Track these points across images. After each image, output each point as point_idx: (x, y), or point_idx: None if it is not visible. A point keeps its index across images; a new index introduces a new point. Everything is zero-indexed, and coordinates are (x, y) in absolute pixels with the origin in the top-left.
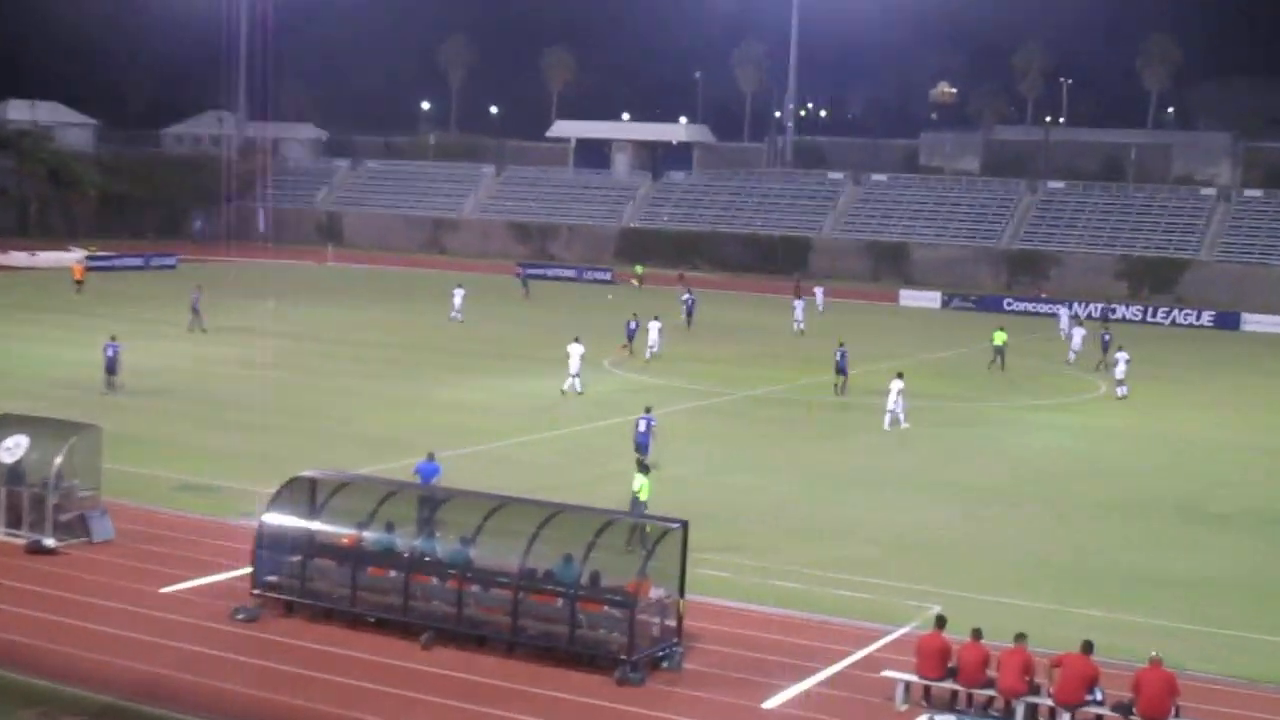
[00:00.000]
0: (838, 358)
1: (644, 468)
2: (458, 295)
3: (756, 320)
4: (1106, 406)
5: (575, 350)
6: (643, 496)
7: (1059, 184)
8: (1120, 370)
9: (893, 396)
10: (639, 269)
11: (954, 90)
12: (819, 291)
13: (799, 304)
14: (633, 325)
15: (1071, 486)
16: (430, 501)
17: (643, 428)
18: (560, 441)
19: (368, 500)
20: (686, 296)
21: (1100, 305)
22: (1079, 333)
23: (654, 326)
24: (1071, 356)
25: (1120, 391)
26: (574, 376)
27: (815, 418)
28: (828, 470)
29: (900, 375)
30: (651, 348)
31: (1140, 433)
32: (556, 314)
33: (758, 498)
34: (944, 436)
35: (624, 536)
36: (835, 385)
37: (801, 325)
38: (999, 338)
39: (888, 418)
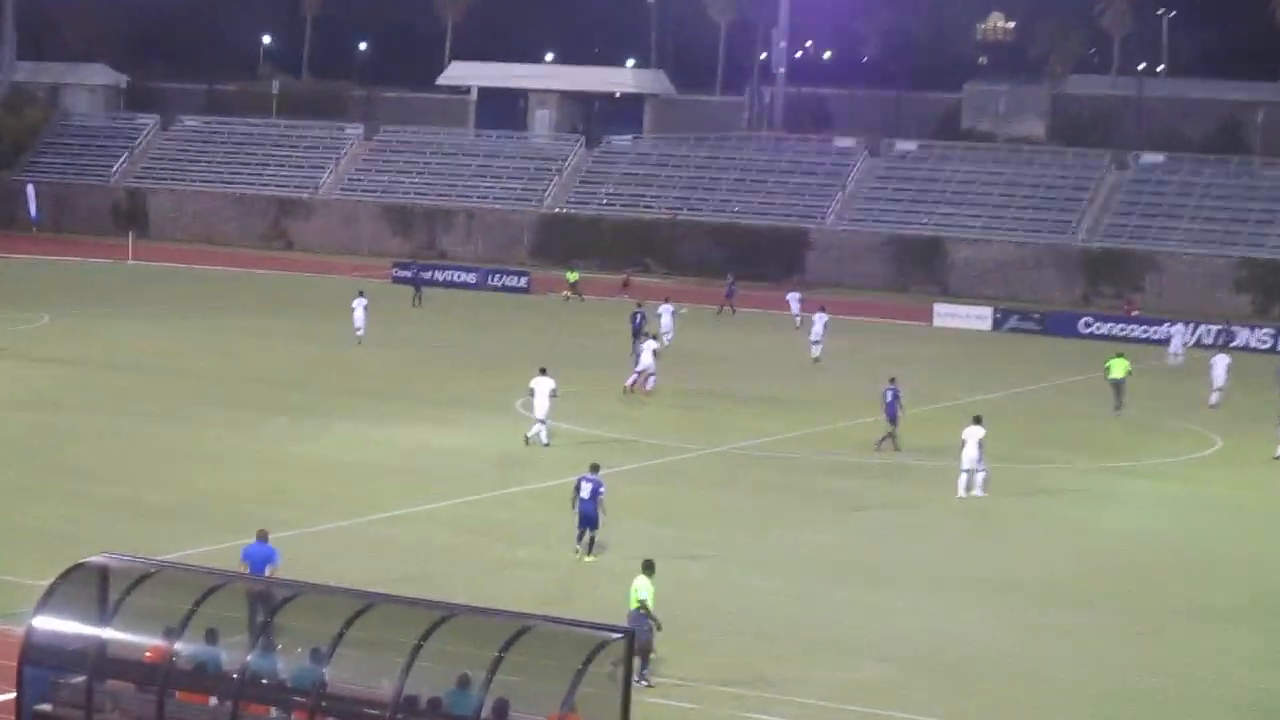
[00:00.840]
0: (888, 398)
1: (649, 566)
2: (359, 307)
3: (737, 341)
4: (1222, 470)
5: (542, 385)
6: (648, 601)
7: (1156, 157)
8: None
9: (970, 450)
10: (572, 276)
11: (1011, 25)
12: (818, 320)
13: (821, 318)
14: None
15: (1167, 584)
16: (269, 600)
17: (586, 493)
18: (458, 515)
19: (181, 598)
20: (637, 312)
21: (1215, 327)
22: (1222, 363)
23: (648, 347)
24: (1214, 398)
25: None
26: (541, 422)
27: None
28: (830, 559)
29: (979, 420)
30: (648, 371)
31: (1266, 508)
32: (455, 333)
33: (736, 597)
34: (991, 512)
35: (588, 659)
36: (884, 437)
37: (818, 349)
38: (1118, 368)
39: (963, 480)
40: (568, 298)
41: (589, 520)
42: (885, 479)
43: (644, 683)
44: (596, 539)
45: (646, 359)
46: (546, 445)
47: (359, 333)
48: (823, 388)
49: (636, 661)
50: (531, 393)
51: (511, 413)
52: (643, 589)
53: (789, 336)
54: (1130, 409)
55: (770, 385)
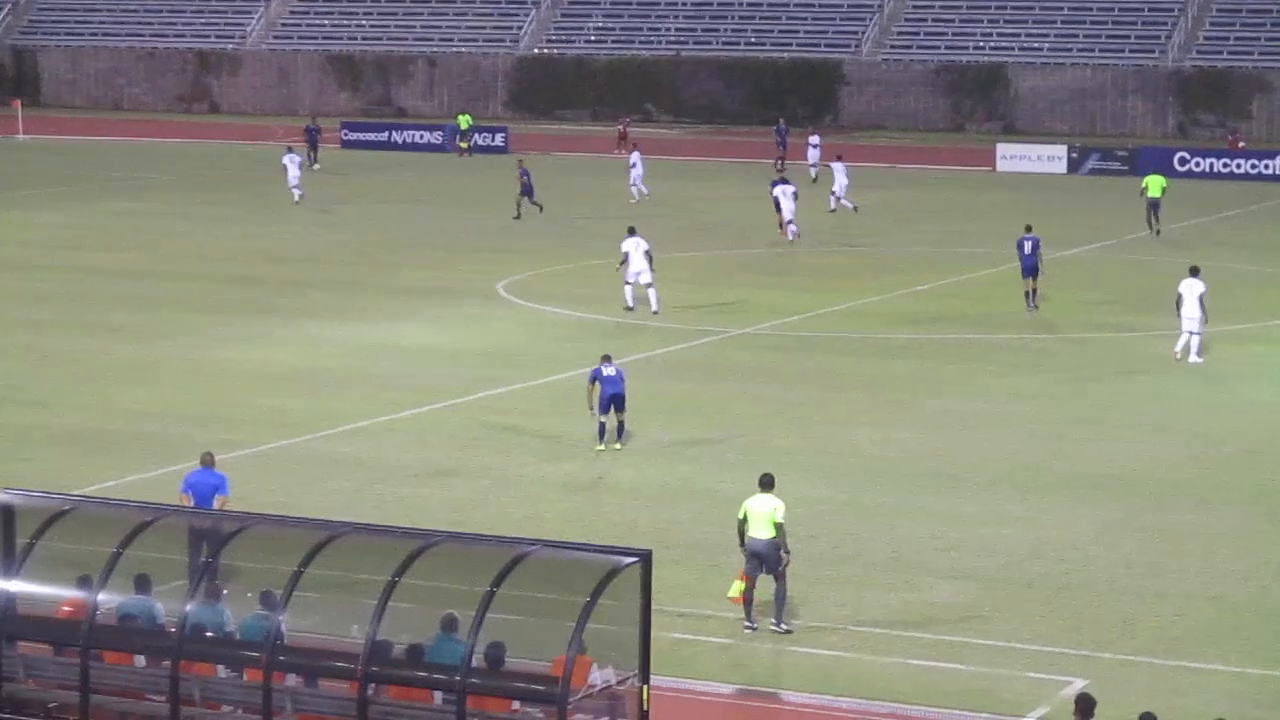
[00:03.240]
0: (1026, 249)
1: (769, 480)
2: (291, 164)
3: (755, 203)
4: None
5: (635, 246)
6: (775, 520)
7: None
8: None
9: (1190, 307)
10: (464, 121)
11: None
12: (838, 168)
13: (839, 166)
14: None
15: None
16: (211, 537)
17: (611, 372)
18: (432, 425)
19: (103, 539)
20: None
21: None
22: None
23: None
24: None
25: None
26: (648, 285)
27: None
28: (886, 460)
29: (1196, 272)
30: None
31: None
32: (415, 206)
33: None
34: (1082, 394)
35: (597, 590)
36: (1027, 294)
37: (840, 199)
38: (1155, 185)
39: (1183, 342)
40: (464, 151)
41: (615, 401)
42: (944, 359)
43: (783, 627)
44: (626, 425)
45: (788, 206)
46: (656, 313)
47: (297, 192)
48: (866, 253)
49: (774, 604)
50: (625, 259)
51: (488, 299)
52: (777, 510)
53: (822, 191)
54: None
55: (802, 251)
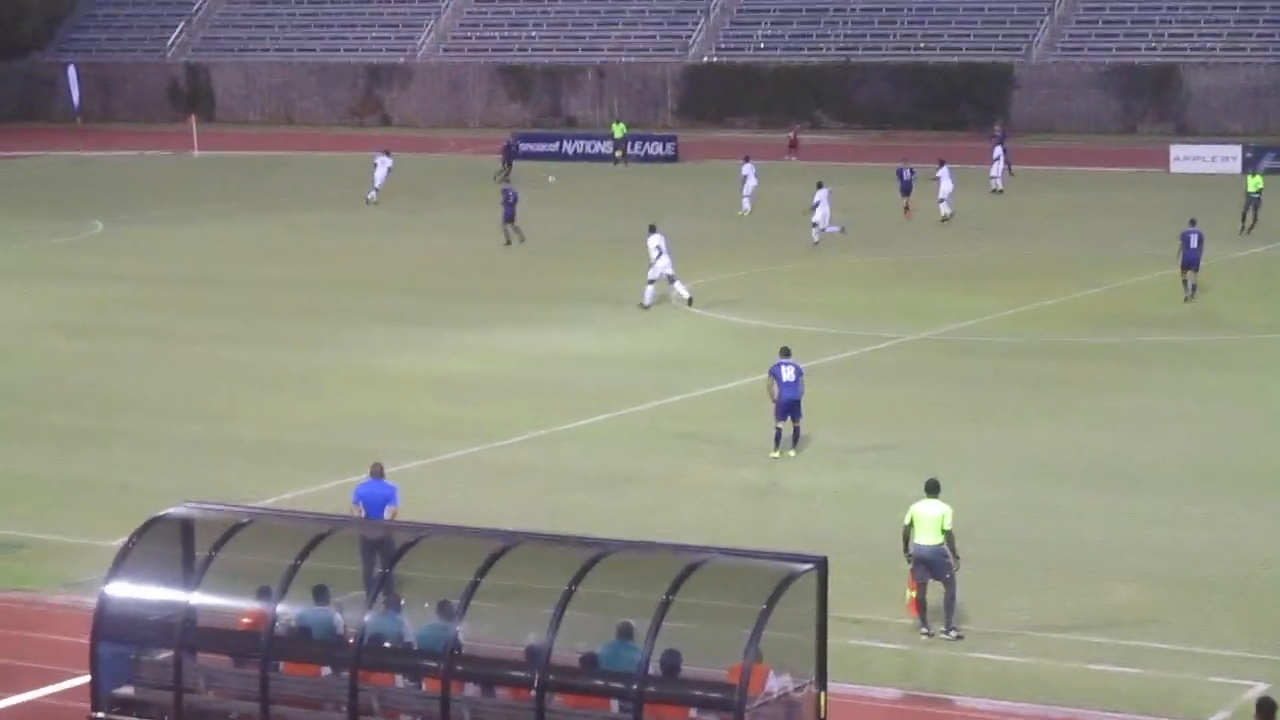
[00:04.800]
0: (1192, 243)
1: (935, 486)
2: (381, 165)
3: (919, 204)
4: None
5: (655, 243)
6: (944, 526)
7: None
8: None
9: None
10: (618, 130)
11: None
12: (998, 154)
13: (999, 151)
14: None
15: None
16: (386, 548)
17: (790, 376)
18: (607, 433)
19: (281, 552)
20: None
21: None
22: None
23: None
24: None
25: None
26: (673, 281)
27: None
28: (1060, 461)
29: None
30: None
31: None
32: (587, 215)
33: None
34: (1261, 393)
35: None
36: (1186, 284)
37: (998, 182)
38: (1253, 183)
39: None
40: (618, 160)
41: (792, 408)
42: (1120, 360)
43: (953, 633)
44: (801, 431)
45: (947, 186)
46: (688, 301)
47: (372, 196)
48: (1040, 254)
49: (943, 610)
50: (659, 251)
51: (658, 307)
52: (945, 517)
53: (1005, 195)
54: None
55: (975, 254)
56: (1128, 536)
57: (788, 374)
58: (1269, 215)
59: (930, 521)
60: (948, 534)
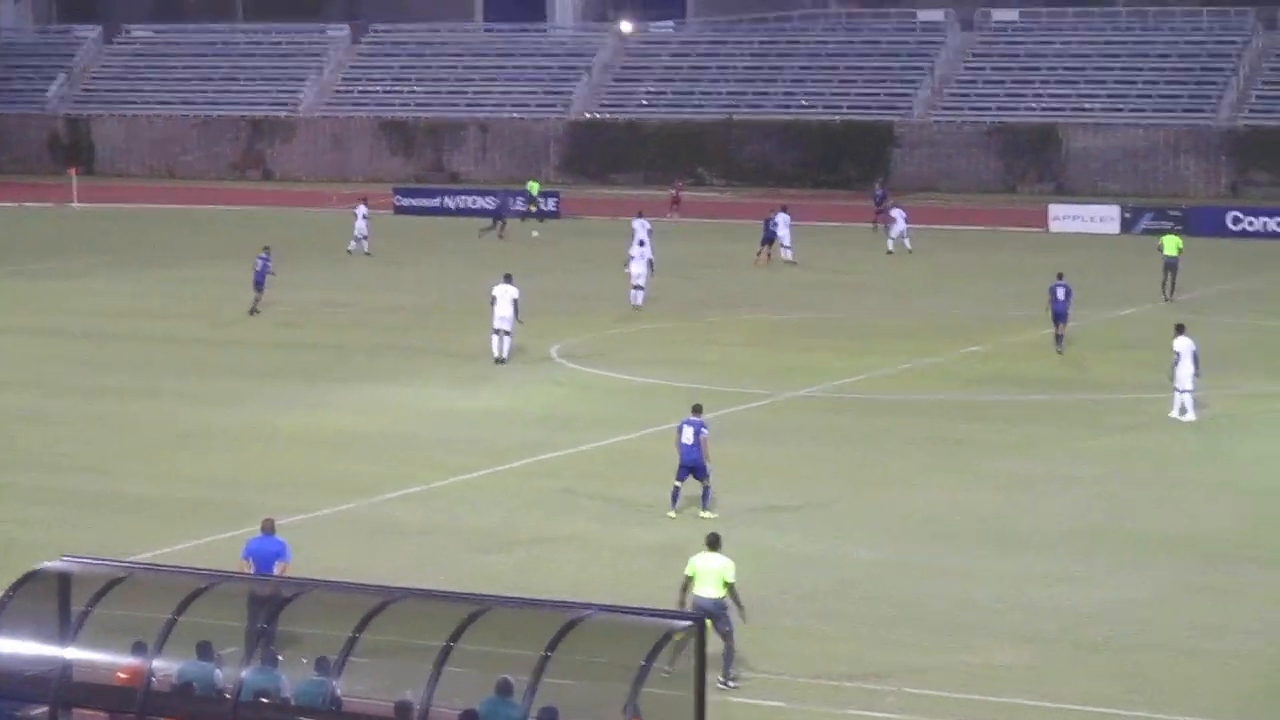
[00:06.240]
0: (1059, 295)
1: (715, 540)
2: (359, 216)
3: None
4: None
5: (504, 293)
6: (726, 579)
7: None
8: None
9: (1186, 365)
10: (534, 187)
11: None
12: (898, 216)
13: (900, 215)
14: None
15: None
16: (268, 603)
17: (689, 438)
18: (492, 487)
19: (159, 606)
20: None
21: None
22: None
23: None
24: None
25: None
26: (504, 334)
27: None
28: (946, 521)
29: (1181, 329)
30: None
31: None
32: (470, 270)
33: (832, 572)
34: (1140, 454)
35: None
36: (1057, 337)
37: (895, 242)
38: (1171, 245)
39: (1179, 401)
40: (531, 214)
41: (693, 468)
42: (1002, 420)
43: (731, 683)
44: (711, 490)
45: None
46: (502, 361)
47: (360, 244)
48: (920, 313)
49: (720, 658)
50: (493, 302)
51: (549, 364)
52: (727, 570)
53: (889, 256)
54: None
55: (859, 312)
56: (1011, 596)
57: (686, 435)
58: (1142, 275)
59: (711, 575)
60: (730, 586)
